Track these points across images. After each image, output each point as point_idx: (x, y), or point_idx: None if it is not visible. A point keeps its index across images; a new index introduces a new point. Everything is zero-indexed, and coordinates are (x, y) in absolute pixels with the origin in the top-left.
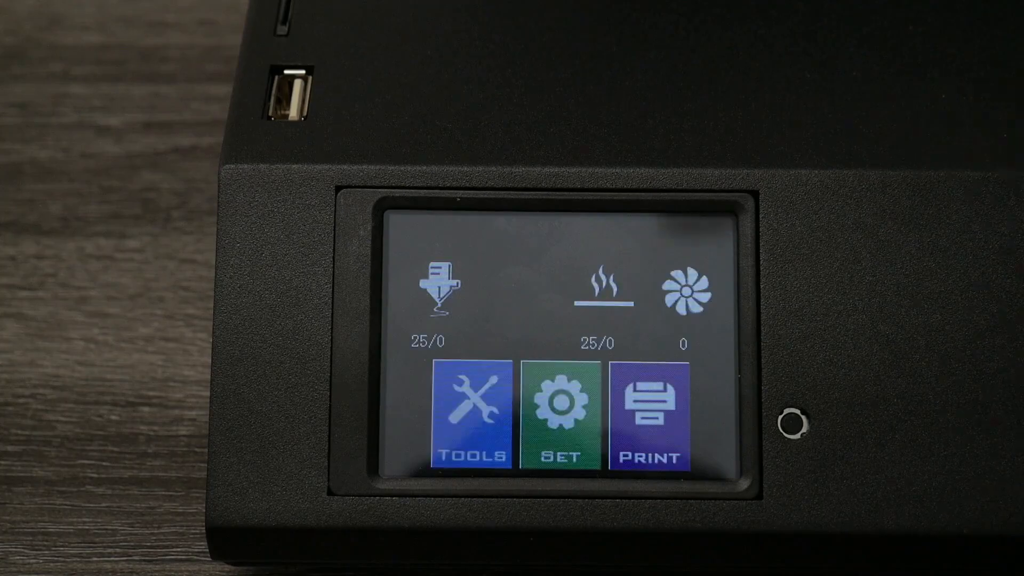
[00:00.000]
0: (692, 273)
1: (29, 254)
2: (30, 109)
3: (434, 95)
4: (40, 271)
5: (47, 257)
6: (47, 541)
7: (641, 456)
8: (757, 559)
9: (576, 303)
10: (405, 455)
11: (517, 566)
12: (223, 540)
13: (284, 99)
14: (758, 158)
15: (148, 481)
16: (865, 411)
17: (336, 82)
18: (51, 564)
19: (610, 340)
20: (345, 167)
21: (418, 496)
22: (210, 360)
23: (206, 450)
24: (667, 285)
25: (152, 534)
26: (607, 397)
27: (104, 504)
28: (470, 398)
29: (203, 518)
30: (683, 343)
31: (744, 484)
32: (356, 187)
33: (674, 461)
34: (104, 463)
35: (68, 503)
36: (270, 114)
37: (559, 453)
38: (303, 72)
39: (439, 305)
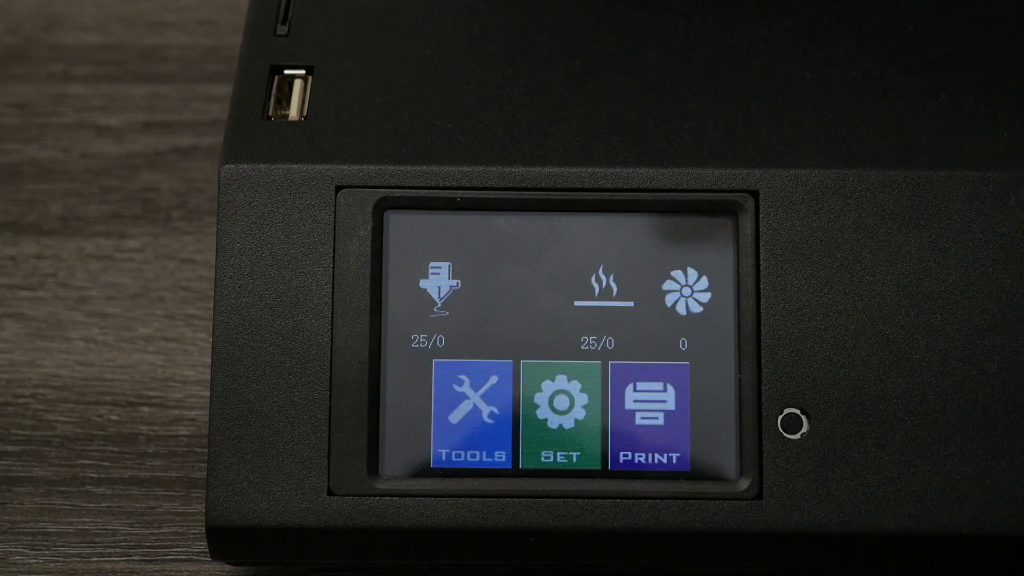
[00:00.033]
0: (692, 273)
1: (29, 254)
2: (30, 109)
3: (434, 95)
4: (40, 271)
5: (47, 257)
6: (47, 541)
7: (641, 456)
8: (757, 559)
9: (576, 303)
10: (405, 455)
11: (517, 566)
12: (223, 540)
13: (284, 99)
14: (758, 158)
15: (148, 481)
16: (865, 411)
17: (336, 82)
18: (51, 564)
19: (610, 340)
20: (345, 167)
21: (418, 496)
22: (210, 360)
23: (206, 450)
24: (667, 285)
25: (152, 534)
26: (607, 397)
27: (104, 504)
28: (470, 398)
29: (203, 518)
30: (683, 343)
31: (744, 484)
32: (356, 187)
33: (674, 461)
34: (104, 463)
35: (68, 503)
36: (270, 114)
37: (559, 453)
38: (303, 72)
39: (439, 305)
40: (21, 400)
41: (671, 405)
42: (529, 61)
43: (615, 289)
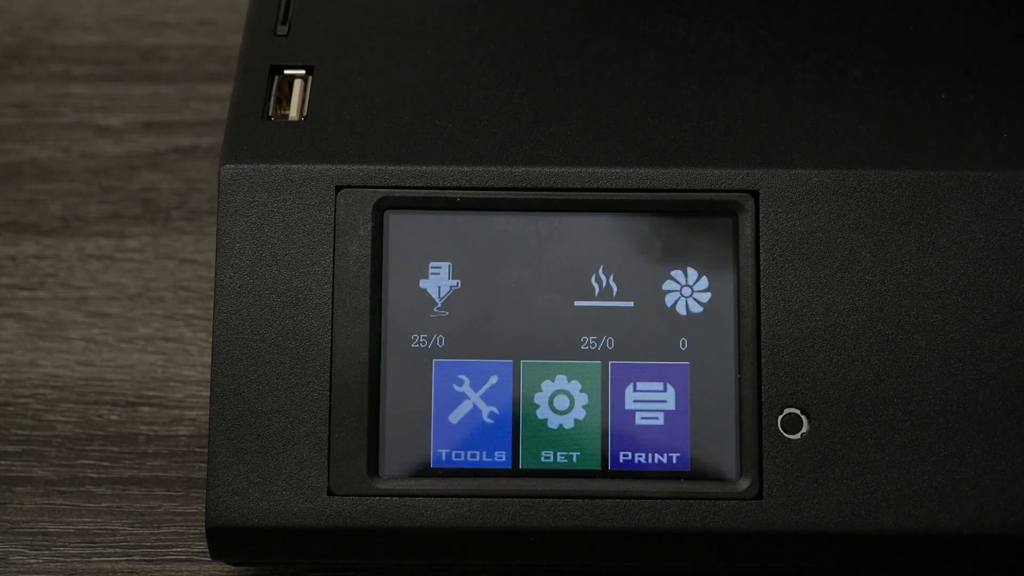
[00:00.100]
0: (692, 273)
1: (29, 254)
2: (30, 109)
3: (434, 95)
4: (40, 271)
5: (47, 257)
6: (47, 541)
7: (641, 456)
8: (757, 559)
9: (576, 303)
10: (405, 455)
11: (517, 566)
12: (223, 540)
13: (284, 99)
14: (758, 158)
15: (148, 481)
16: (865, 411)
17: (336, 82)
18: (51, 564)
19: (610, 340)
20: (345, 167)
21: (418, 496)
22: (210, 360)
23: (206, 450)
24: (667, 285)
25: (152, 534)
26: (607, 397)
27: (104, 504)
28: (470, 398)
29: (203, 518)
30: (683, 343)
31: (744, 484)
32: (356, 187)
33: (674, 461)
34: (104, 463)
35: (68, 503)
36: (270, 114)
37: (559, 453)
38: (303, 72)
39: (439, 305)
40: (21, 400)
41: (671, 405)
42: (529, 61)
43: (615, 289)
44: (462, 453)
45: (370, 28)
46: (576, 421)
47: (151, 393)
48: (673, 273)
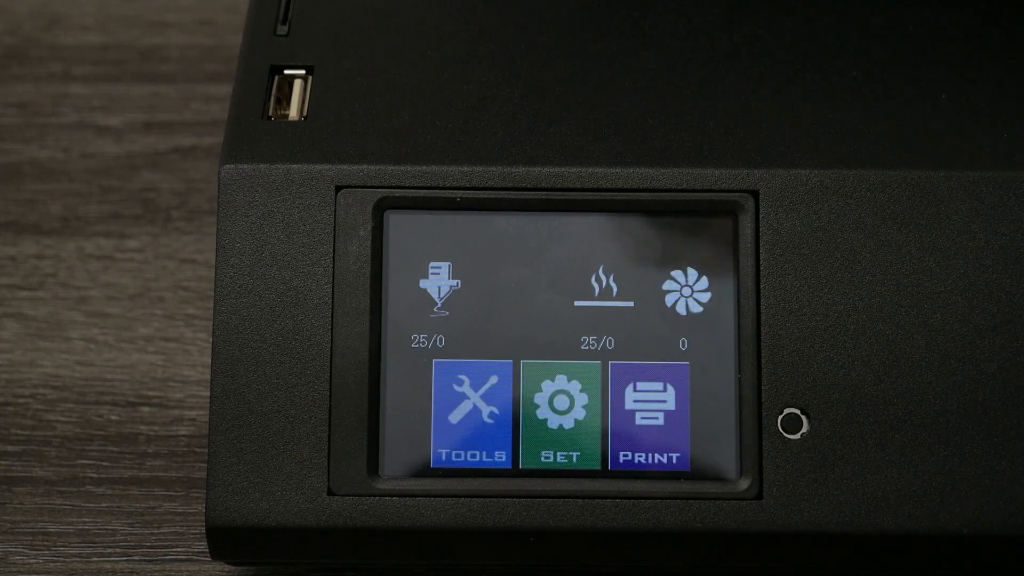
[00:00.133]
0: (692, 273)
1: (29, 254)
2: (30, 109)
3: (434, 95)
4: (40, 271)
5: (47, 257)
6: (47, 541)
7: (641, 456)
8: (757, 559)
9: (576, 303)
10: (405, 455)
11: (517, 566)
12: (223, 540)
13: (284, 99)
14: (758, 158)
15: (148, 481)
16: (865, 411)
17: (336, 82)
18: (51, 564)
19: (610, 340)
20: (345, 167)
21: (418, 496)
22: (210, 360)
23: (206, 450)
24: (667, 285)
25: (152, 534)
26: (607, 397)
27: (104, 504)
28: (470, 398)
29: (203, 518)
30: (683, 343)
31: (744, 484)
32: (356, 187)
33: (674, 461)
34: (104, 463)
35: (68, 503)
36: (270, 114)
37: (559, 453)
38: (303, 72)
39: (439, 305)
40: (21, 400)
41: (671, 405)
42: (529, 61)
43: (615, 289)
44: (462, 453)
45: (370, 28)
46: (576, 421)
47: (151, 393)
48: (673, 273)
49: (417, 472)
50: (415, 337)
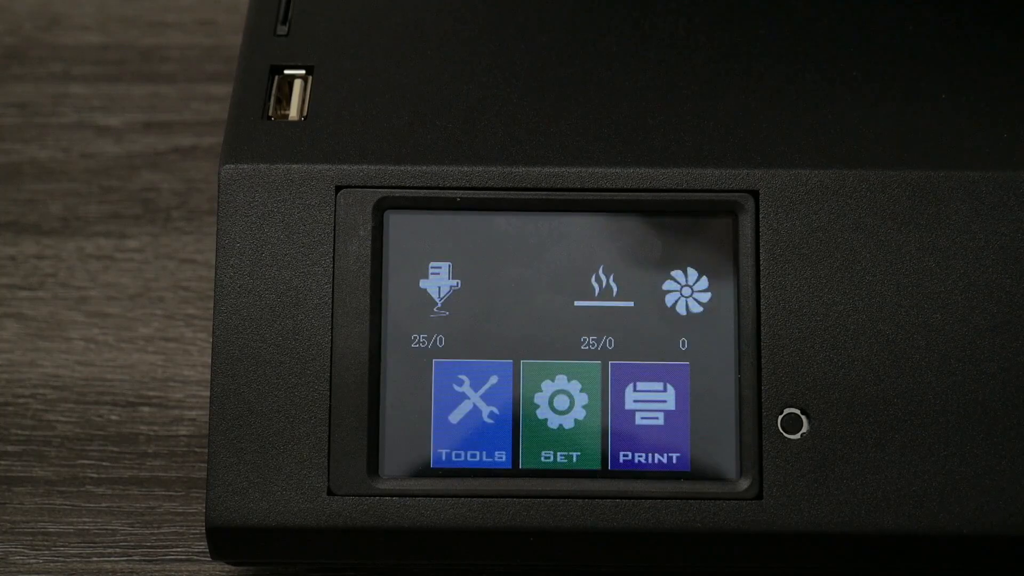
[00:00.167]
0: (692, 273)
1: (29, 254)
2: (30, 109)
3: (434, 95)
4: (40, 271)
5: (47, 257)
6: (47, 541)
7: (641, 456)
8: (757, 559)
9: (576, 303)
10: (405, 455)
11: (517, 566)
12: (223, 540)
13: (284, 99)
14: (758, 158)
15: (148, 481)
16: (865, 411)
17: (336, 82)
18: (51, 564)
19: (610, 340)
20: (345, 167)
21: (418, 496)
22: (210, 360)
23: (206, 450)
24: (667, 285)
25: (152, 534)
26: (607, 397)
27: (104, 504)
28: (470, 398)
29: (203, 518)
30: (683, 343)
31: (744, 484)
32: (356, 187)
33: (674, 461)
34: (104, 463)
35: (68, 503)
36: (270, 114)
37: (559, 453)
38: (303, 72)
39: (439, 305)
40: (21, 400)
41: (671, 405)
42: (529, 61)
43: (615, 289)
44: (462, 453)
45: (370, 28)
46: (576, 421)
47: (151, 393)
48: (673, 273)
49: (417, 472)
50: (415, 337)
